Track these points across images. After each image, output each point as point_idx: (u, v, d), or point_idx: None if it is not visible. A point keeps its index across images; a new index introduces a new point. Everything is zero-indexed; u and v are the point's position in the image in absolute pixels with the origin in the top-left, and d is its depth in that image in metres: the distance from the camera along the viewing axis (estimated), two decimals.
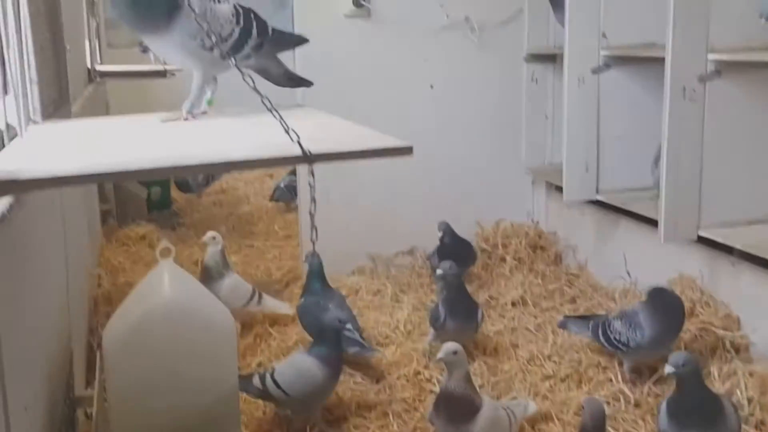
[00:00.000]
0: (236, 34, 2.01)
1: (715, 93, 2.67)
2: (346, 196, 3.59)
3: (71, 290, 2.53)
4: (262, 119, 1.58)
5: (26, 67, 1.94)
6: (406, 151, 1.40)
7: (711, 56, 2.64)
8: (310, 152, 1.36)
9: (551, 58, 3.78)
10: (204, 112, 2.07)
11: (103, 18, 5.99)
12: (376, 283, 3.51)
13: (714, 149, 2.71)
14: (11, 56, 1.80)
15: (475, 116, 3.84)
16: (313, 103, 3.63)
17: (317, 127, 1.80)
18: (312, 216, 1.45)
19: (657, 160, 2.95)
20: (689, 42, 2.63)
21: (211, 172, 4.50)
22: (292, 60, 3.73)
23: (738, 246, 2.63)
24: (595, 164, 3.29)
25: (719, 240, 2.68)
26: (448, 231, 3.43)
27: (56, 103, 2.56)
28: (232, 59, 1.76)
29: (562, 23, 3.50)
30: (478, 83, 3.83)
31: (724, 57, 2.62)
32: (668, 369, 2.00)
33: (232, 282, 3.07)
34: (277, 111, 1.44)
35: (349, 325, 2.58)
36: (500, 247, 3.66)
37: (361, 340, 2.70)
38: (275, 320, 3.12)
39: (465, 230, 3.67)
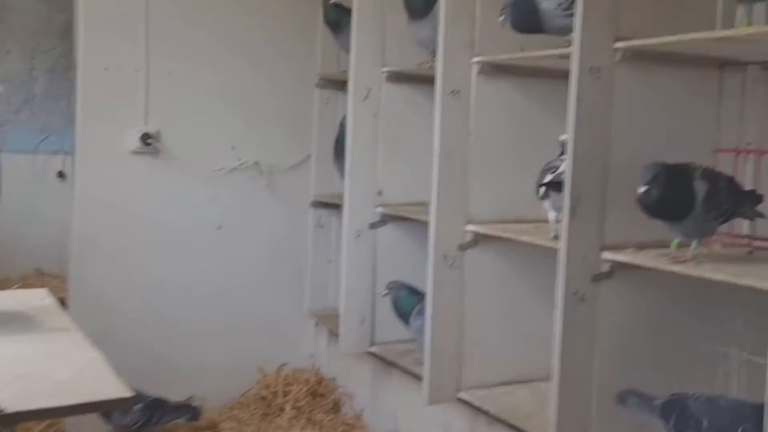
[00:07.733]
0: None
1: (472, 261, 2.84)
2: (116, 336, 3.22)
3: None
4: None
5: None
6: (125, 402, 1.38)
7: (469, 227, 2.82)
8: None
9: (336, 206, 3.90)
10: None
11: None
12: None
13: (473, 315, 2.86)
14: None
15: (262, 258, 3.86)
16: (95, 246, 3.52)
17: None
18: None
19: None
20: (450, 213, 2.81)
21: None
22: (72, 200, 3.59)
23: (491, 410, 2.75)
24: (371, 317, 3.38)
25: (476, 403, 2.80)
26: None
27: None
28: None
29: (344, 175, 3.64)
30: (266, 225, 3.87)
31: (480, 229, 2.81)
32: None
33: None
34: None
35: None
36: (281, 395, 3.63)
37: None
38: None
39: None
